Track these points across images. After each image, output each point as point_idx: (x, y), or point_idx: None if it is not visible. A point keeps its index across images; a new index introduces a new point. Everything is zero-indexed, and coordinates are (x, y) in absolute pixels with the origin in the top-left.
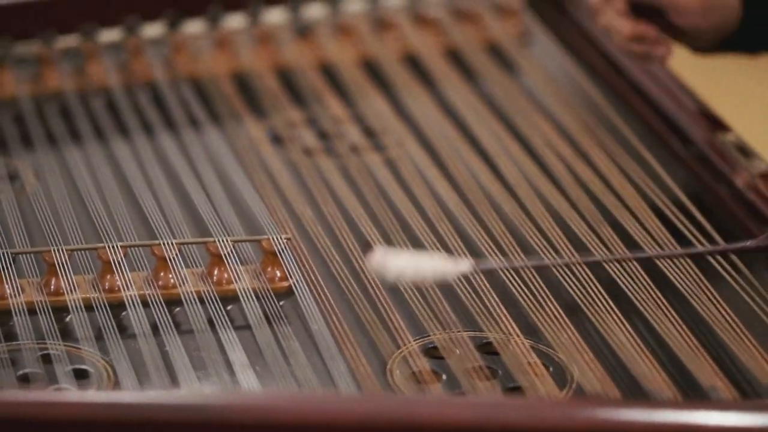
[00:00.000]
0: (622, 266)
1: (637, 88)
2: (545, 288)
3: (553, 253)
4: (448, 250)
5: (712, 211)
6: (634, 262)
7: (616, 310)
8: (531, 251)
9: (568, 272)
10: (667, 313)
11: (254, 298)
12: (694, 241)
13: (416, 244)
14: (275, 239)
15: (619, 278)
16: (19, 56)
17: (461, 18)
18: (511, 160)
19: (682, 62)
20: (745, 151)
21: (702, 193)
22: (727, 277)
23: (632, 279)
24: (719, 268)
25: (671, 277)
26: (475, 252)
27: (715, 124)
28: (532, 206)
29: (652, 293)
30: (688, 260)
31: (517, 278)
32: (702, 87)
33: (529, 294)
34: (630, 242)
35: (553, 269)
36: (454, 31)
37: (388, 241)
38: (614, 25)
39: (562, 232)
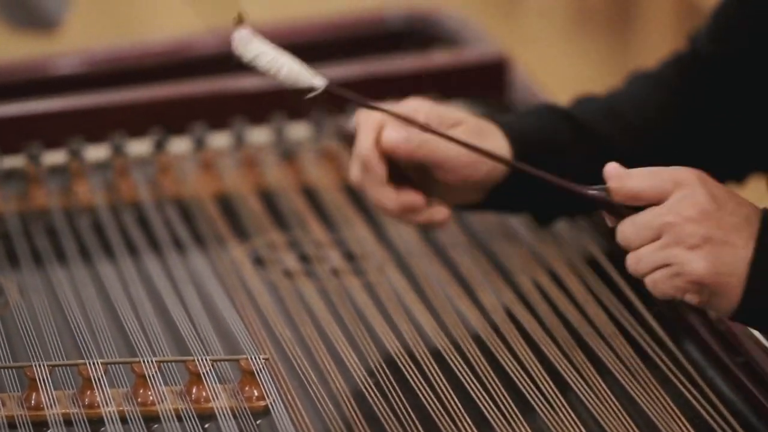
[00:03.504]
0: (599, 400)
1: None
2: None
3: (525, 377)
4: (422, 373)
5: (685, 340)
6: (613, 399)
7: None
8: (503, 374)
9: (543, 400)
10: None
11: (231, 416)
12: (665, 369)
13: (393, 367)
14: (253, 359)
15: (596, 411)
16: (4, 171)
17: None
18: (488, 287)
19: None
20: None
21: (676, 324)
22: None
23: (612, 415)
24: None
25: (647, 410)
26: (450, 375)
27: None
28: (507, 332)
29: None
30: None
31: (489, 401)
32: None
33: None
34: (602, 368)
35: (528, 397)
36: None
37: (365, 364)
38: (379, 200)
39: (536, 357)
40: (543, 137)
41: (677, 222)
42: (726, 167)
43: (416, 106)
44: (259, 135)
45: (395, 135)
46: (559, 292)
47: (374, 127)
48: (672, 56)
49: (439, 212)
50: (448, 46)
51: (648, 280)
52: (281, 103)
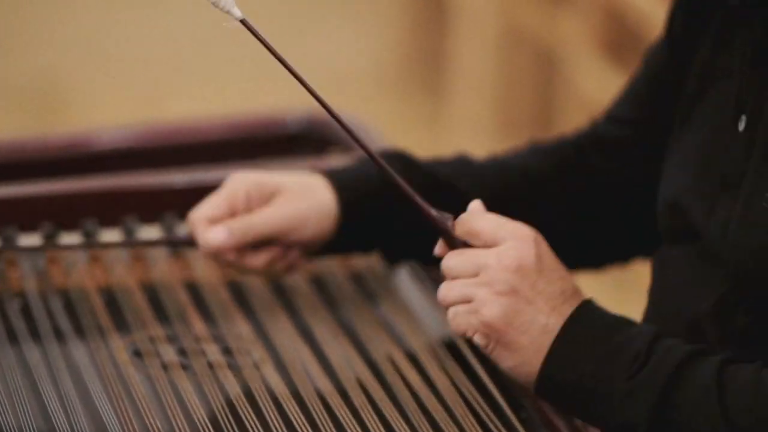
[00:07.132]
0: None
1: None
2: None
3: None
4: None
5: None
6: None
7: None
8: None
9: None
10: None
11: None
12: None
13: None
14: None
15: None
16: None
17: None
18: (360, 386)
19: None
20: None
21: (543, 430)
22: None
23: None
24: None
25: None
26: None
27: None
28: (374, 430)
29: None
30: None
31: None
32: None
33: None
34: None
35: None
36: (319, 260)
37: None
38: (250, 267)
39: None
40: (377, 186)
41: (494, 266)
42: (607, 249)
43: (237, 185)
44: (148, 232)
45: (218, 237)
46: (430, 392)
47: (205, 227)
48: (574, 134)
49: (293, 255)
50: (345, 151)
51: (450, 312)
52: (173, 201)
